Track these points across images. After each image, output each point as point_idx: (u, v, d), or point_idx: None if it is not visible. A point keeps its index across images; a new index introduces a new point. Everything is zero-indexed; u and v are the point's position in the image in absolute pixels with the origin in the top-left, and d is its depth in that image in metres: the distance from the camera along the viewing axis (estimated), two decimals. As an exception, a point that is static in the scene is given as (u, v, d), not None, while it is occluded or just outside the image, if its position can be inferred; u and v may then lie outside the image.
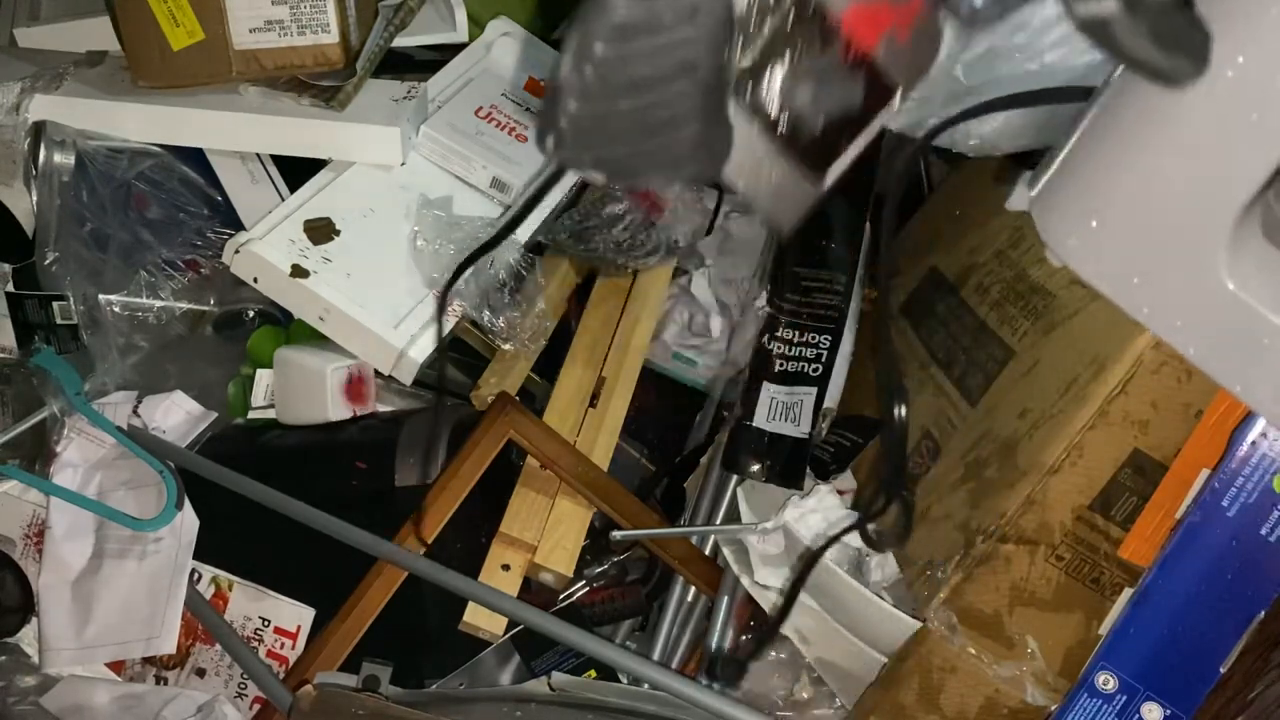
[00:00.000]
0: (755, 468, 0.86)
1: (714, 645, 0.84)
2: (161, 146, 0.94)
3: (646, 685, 0.80)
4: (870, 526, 0.68)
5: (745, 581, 0.82)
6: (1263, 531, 0.63)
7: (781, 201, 0.59)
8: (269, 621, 0.86)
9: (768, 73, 0.54)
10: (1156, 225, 0.52)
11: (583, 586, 0.93)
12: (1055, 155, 0.56)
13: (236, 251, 0.87)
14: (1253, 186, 0.49)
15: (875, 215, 0.97)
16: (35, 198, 0.92)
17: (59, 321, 0.93)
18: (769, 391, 0.89)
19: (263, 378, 0.93)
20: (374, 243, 0.91)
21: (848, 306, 0.91)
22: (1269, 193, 0.50)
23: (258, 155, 0.99)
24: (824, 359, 0.88)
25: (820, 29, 0.54)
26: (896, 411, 0.63)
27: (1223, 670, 0.65)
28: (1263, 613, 0.64)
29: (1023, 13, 0.64)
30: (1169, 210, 0.51)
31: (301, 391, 0.90)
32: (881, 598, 0.73)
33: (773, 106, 0.55)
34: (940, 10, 0.61)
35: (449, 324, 0.90)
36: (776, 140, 0.56)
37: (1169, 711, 0.65)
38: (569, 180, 1.04)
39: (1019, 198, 0.58)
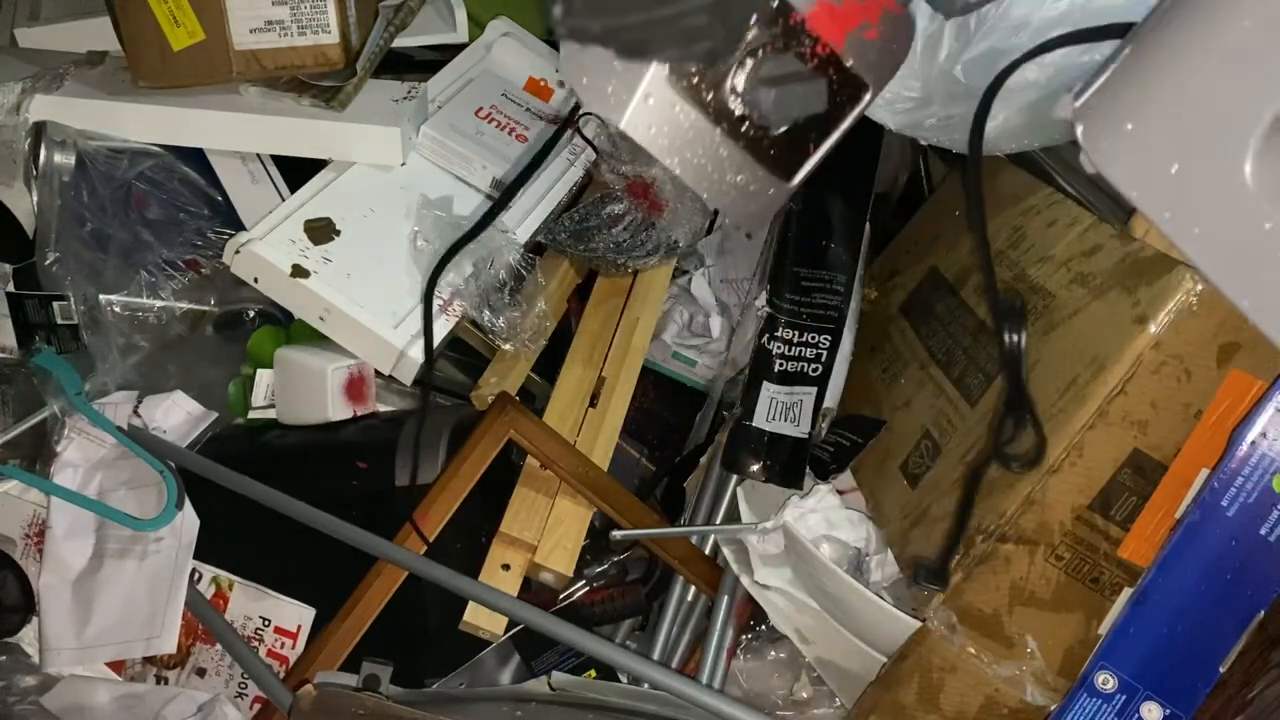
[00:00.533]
0: (755, 468, 0.86)
1: (922, 554, 0.74)
2: (162, 146, 0.94)
3: (646, 685, 0.80)
4: (1006, 452, 0.67)
5: (745, 581, 0.82)
6: (1262, 531, 0.63)
7: (748, 205, 0.57)
8: (269, 621, 0.86)
9: (731, 74, 0.53)
10: (1188, 127, 0.52)
11: (583, 586, 0.93)
12: (1105, 67, 0.56)
13: (237, 251, 0.87)
14: None
15: (875, 215, 0.97)
16: (36, 198, 0.92)
17: (59, 321, 0.93)
18: (769, 391, 0.89)
19: (263, 378, 0.93)
20: (374, 243, 0.92)
21: (847, 306, 0.90)
22: None
23: (258, 155, 0.99)
24: (824, 359, 0.88)
25: (784, 29, 0.53)
26: (1008, 327, 0.65)
27: (1222, 670, 0.65)
28: (1262, 613, 0.64)
29: (1023, 11, 0.64)
30: (1202, 113, 0.51)
31: (302, 391, 0.90)
32: (881, 597, 0.73)
33: (737, 108, 0.54)
34: (910, 5, 0.60)
35: (450, 324, 0.91)
36: (741, 142, 0.55)
37: (1168, 711, 0.65)
38: (566, 183, 1.04)
39: (1063, 106, 0.57)
